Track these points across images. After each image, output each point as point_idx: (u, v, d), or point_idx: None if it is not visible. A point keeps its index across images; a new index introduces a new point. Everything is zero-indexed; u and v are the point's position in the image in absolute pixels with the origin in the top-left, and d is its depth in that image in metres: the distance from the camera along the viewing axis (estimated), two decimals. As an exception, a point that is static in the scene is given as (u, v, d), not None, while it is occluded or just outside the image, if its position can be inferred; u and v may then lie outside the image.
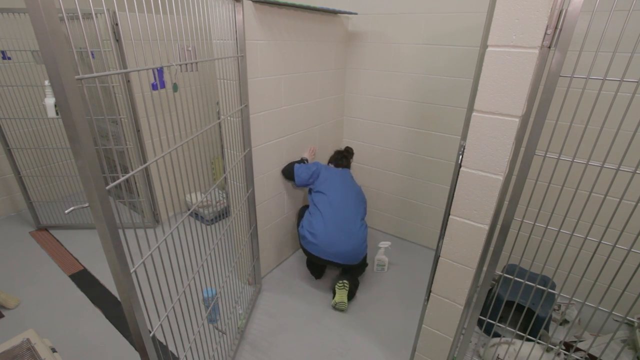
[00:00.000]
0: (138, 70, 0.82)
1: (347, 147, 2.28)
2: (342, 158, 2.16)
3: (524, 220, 1.00)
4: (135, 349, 1.55)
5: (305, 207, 2.12)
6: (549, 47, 0.80)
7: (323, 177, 1.94)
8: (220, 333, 1.48)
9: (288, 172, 1.96)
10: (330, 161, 2.19)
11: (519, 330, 1.22)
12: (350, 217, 1.84)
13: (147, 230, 0.79)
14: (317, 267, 2.06)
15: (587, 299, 0.96)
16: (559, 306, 1.79)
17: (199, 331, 1.19)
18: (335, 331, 1.71)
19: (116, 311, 1.80)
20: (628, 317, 1.17)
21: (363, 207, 1.97)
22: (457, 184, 1.01)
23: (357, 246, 1.79)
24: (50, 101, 1.88)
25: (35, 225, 2.50)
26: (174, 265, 0.99)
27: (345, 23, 2.17)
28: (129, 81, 2.13)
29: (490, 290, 1.76)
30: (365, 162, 2.48)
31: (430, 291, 1.21)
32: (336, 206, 1.84)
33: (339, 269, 2.12)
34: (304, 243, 1.86)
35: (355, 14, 2.12)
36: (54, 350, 1.22)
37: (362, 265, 1.98)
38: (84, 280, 2.01)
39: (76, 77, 0.57)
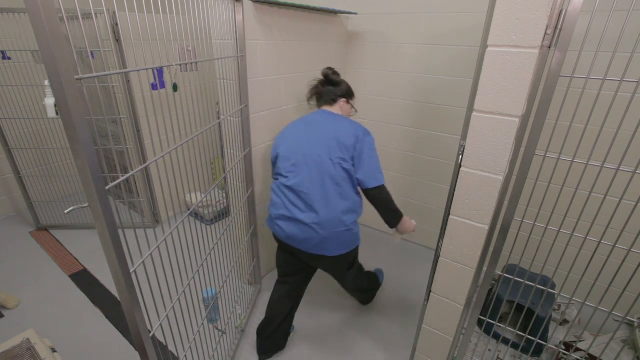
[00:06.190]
0: (138, 70, 0.82)
1: (326, 69, 1.52)
2: (318, 91, 1.51)
3: (524, 220, 1.00)
4: (135, 349, 1.55)
5: None
6: (549, 47, 0.80)
7: (279, 153, 1.38)
8: (220, 333, 1.48)
9: None
10: (309, 99, 1.58)
11: (518, 330, 1.22)
12: (305, 192, 1.27)
13: (147, 230, 0.79)
14: (284, 266, 1.49)
15: (587, 299, 0.96)
16: (559, 306, 1.79)
17: (199, 331, 1.19)
18: (335, 331, 1.71)
19: (116, 311, 1.80)
20: (628, 317, 1.17)
21: (332, 183, 1.26)
22: (457, 184, 1.01)
23: (320, 223, 1.24)
24: (50, 101, 1.88)
25: (35, 225, 2.50)
26: (174, 265, 0.99)
27: (345, 23, 2.17)
28: (129, 81, 2.13)
29: (490, 290, 1.76)
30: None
31: (430, 291, 1.21)
32: (290, 180, 1.32)
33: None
34: (267, 221, 1.44)
35: (355, 14, 2.12)
36: (54, 350, 1.23)
37: (341, 264, 1.39)
38: (84, 280, 2.01)
39: (76, 77, 0.57)
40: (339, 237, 1.27)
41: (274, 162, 1.43)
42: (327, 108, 1.48)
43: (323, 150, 1.28)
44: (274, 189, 1.38)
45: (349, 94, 1.51)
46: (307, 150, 1.30)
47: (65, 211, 0.71)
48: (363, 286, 1.68)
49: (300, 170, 1.29)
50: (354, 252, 1.40)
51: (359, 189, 1.34)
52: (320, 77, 1.53)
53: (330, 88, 1.48)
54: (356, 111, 1.58)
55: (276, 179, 1.39)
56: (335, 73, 1.51)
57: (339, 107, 1.48)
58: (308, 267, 1.49)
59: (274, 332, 1.51)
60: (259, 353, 1.54)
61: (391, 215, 1.37)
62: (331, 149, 1.27)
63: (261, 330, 1.54)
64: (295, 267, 1.47)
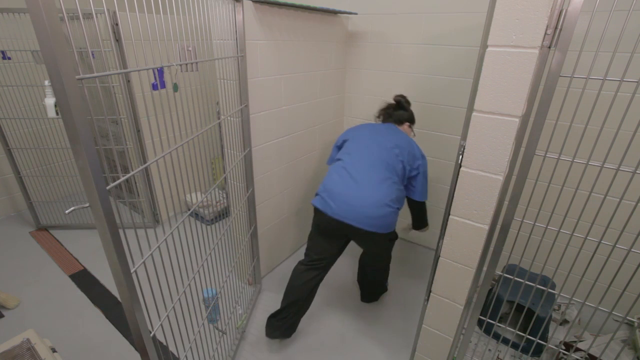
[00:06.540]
0: (138, 70, 0.82)
1: (398, 96, 1.76)
2: (388, 111, 1.75)
3: (524, 220, 1.00)
4: (136, 349, 1.55)
5: None
6: (549, 47, 0.80)
7: (348, 138, 1.64)
8: (221, 333, 1.48)
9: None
10: (378, 116, 1.82)
11: (518, 330, 1.22)
12: (364, 170, 1.46)
13: (147, 230, 0.79)
14: (321, 250, 1.58)
15: (587, 299, 0.96)
16: (559, 306, 1.79)
17: (199, 331, 1.19)
18: (335, 331, 1.71)
19: (116, 311, 1.80)
20: (628, 317, 1.17)
21: (389, 170, 1.47)
22: (457, 184, 1.01)
23: (373, 200, 1.39)
24: (50, 101, 1.88)
25: (35, 225, 2.50)
26: (174, 265, 0.99)
27: (345, 23, 2.17)
28: (129, 81, 2.13)
29: (490, 290, 1.76)
30: (365, 162, 2.47)
31: (430, 291, 1.21)
32: (353, 158, 1.52)
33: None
34: (314, 201, 1.56)
35: (355, 14, 2.12)
36: (54, 350, 1.22)
37: (386, 239, 1.55)
38: (84, 280, 2.01)
39: (76, 77, 0.57)
40: (390, 216, 1.44)
41: (340, 146, 1.67)
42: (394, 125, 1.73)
43: (395, 148, 1.50)
44: (336, 170, 1.51)
45: (412, 120, 1.76)
46: (382, 143, 1.52)
47: (66, 211, 0.71)
48: (386, 267, 1.85)
49: (370, 154, 1.49)
50: (395, 231, 1.63)
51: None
52: (391, 101, 1.78)
53: (401, 112, 1.73)
54: (414, 135, 1.81)
55: (338, 160, 1.56)
56: (408, 102, 1.76)
57: (403, 129, 1.72)
58: (340, 251, 1.62)
59: (297, 311, 1.57)
60: (270, 332, 1.58)
61: (421, 222, 1.75)
62: (402, 151, 1.50)
63: (276, 313, 1.58)
64: (332, 251, 1.58)
